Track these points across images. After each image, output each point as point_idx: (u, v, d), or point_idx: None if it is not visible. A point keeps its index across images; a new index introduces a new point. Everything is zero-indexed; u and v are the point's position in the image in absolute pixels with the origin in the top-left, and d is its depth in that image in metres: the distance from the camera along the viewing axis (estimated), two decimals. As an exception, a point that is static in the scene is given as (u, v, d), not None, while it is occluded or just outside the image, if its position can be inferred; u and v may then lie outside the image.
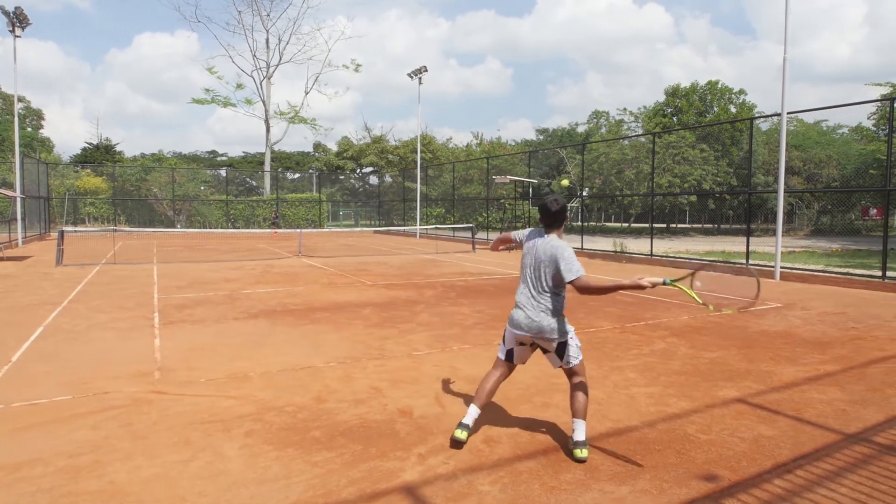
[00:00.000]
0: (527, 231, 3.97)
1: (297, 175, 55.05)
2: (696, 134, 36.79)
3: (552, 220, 3.78)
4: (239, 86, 46.88)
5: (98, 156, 48.35)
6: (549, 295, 3.67)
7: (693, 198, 38.84)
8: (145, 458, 3.49)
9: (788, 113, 12.81)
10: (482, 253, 20.25)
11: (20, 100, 25.32)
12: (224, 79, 63.76)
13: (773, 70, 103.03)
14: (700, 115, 42.86)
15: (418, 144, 33.91)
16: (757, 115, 38.95)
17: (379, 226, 39.14)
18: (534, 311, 3.66)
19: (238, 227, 37.70)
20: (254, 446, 3.68)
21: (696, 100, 43.20)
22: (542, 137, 61.30)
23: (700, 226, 50.70)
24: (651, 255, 16.72)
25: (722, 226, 47.60)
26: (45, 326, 7.25)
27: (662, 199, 37.21)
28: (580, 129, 57.09)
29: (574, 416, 3.64)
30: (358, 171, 51.94)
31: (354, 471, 3.34)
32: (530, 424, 4.08)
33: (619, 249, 18.04)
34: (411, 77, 30.31)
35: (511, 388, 4.88)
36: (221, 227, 37.26)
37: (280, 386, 4.91)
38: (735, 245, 23.71)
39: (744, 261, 14.08)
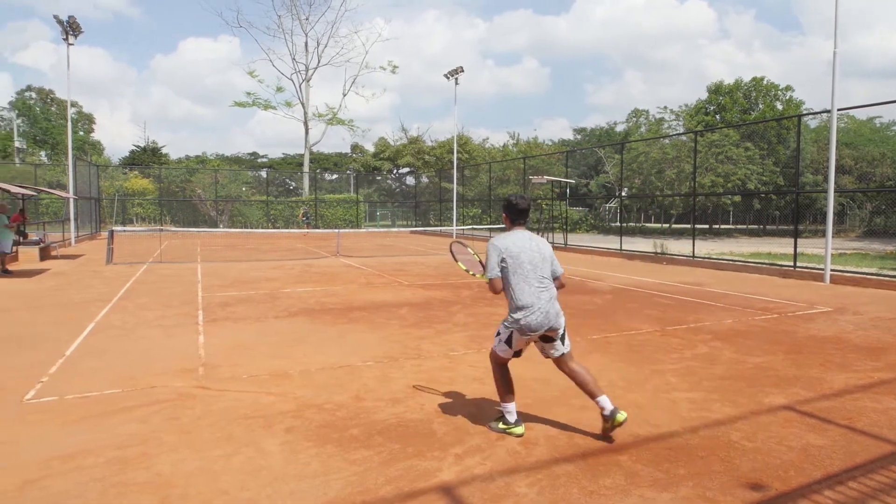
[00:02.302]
0: (505, 242, 3.82)
1: (335, 176, 55.86)
2: (741, 132, 35.76)
3: (525, 215, 3.97)
4: (279, 89, 47.82)
5: (145, 158, 50.04)
6: (551, 285, 3.85)
7: (737, 198, 37.76)
8: (190, 452, 3.59)
9: (839, 109, 12.32)
10: (518, 253, 20.09)
11: (73, 105, 26.36)
12: (264, 82, 65.08)
13: (821, 65, 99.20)
14: (744, 113, 41.65)
15: (454, 145, 33.94)
16: (805, 111, 37.63)
17: (415, 226, 39.36)
18: (546, 304, 3.75)
19: (278, 228, 38.44)
20: (294, 443, 3.74)
21: (741, 97, 42.00)
22: (579, 137, 60.62)
23: (745, 227, 49.21)
24: (693, 256, 16.33)
25: (768, 227, 46.11)
26: (96, 323, 7.54)
27: (705, 200, 36.27)
28: (619, 129, 56.22)
29: (596, 395, 3.79)
30: (395, 171, 52.34)
31: (392, 469, 3.37)
32: (568, 427, 4.03)
33: (659, 251, 17.67)
34: (448, 78, 30.37)
35: (548, 389, 4.83)
36: (262, 227, 38.06)
37: (319, 384, 4.98)
38: (782, 247, 22.92)
39: (791, 263, 13.61)
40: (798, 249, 13.79)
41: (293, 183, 52.27)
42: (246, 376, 5.19)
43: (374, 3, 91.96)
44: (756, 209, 46.68)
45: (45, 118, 53.70)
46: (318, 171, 51.06)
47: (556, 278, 3.89)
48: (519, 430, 3.84)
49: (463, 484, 3.20)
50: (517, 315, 3.75)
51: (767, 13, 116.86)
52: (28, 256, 15.47)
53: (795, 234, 14.33)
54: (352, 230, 33.88)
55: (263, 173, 48.10)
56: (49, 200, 33.56)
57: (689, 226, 38.99)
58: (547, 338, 3.83)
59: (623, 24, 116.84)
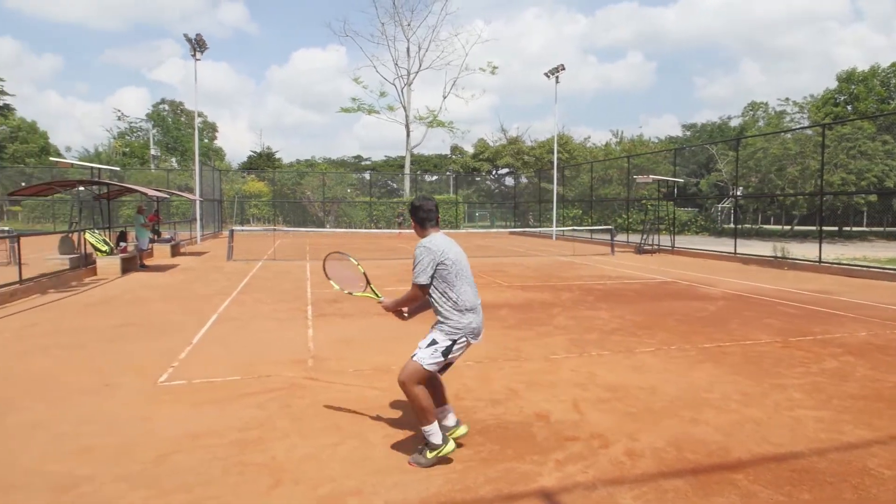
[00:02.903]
0: (439, 246, 3.48)
1: (434, 177, 56.87)
2: (877, 124, 32.21)
3: (437, 215, 3.69)
4: (382, 94, 49.49)
5: (261, 163, 53.72)
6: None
7: (872, 197, 34.06)
8: (300, 439, 3.79)
9: None
10: (621, 256, 19.43)
11: (199, 115, 28.83)
12: (368, 88, 67.78)
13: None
14: (882, 103, 37.48)
15: (555, 144, 33.39)
16: (959, 99, 33.20)
17: (514, 227, 39.15)
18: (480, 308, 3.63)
19: (380, 228, 39.79)
20: (396, 436, 3.84)
21: (877, 85, 37.86)
22: (688, 133, 57.43)
23: (881, 229, 44.28)
24: (820, 261, 14.90)
25: (909, 229, 41.18)
26: (218, 314, 8.19)
27: (833, 199, 33.03)
28: (733, 123, 52.63)
29: (443, 402, 3.69)
30: (494, 172, 52.40)
31: (491, 470, 3.36)
32: (677, 440, 3.82)
33: (779, 255, 16.30)
34: (548, 76, 29.93)
35: (655, 399, 4.62)
36: (365, 228, 39.55)
37: (420, 381, 5.08)
38: (927, 252, 20.39)
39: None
40: (949, 255, 12.19)
41: (394, 184, 53.88)
42: (352, 370, 5.41)
43: (474, 5, 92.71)
44: (896, 210, 41.85)
45: (175, 128, 59.38)
46: (418, 172, 52.26)
47: None
48: (450, 447, 3.41)
49: (564, 491, 3.13)
50: (468, 318, 3.45)
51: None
52: (161, 253, 17.15)
53: (946, 239, 12.67)
54: (451, 231, 34.30)
55: (367, 175, 50.04)
56: (179, 202, 37.03)
57: (814, 228, 35.68)
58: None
59: (739, 10, 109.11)
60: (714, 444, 3.75)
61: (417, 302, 3.59)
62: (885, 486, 3.20)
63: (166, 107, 62.22)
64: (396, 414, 4.26)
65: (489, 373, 5.37)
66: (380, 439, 3.79)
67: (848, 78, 39.36)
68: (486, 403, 4.52)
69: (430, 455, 3.39)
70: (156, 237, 17.32)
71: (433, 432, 3.39)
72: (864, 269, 13.79)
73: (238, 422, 4.08)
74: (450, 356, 3.49)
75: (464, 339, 3.48)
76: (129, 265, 13.51)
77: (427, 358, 3.42)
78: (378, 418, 4.17)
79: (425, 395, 3.43)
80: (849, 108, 38.59)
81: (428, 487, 3.14)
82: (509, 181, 50.71)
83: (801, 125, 41.95)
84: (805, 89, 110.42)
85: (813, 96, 43.34)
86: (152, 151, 53.90)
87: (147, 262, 14.91)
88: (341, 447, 3.67)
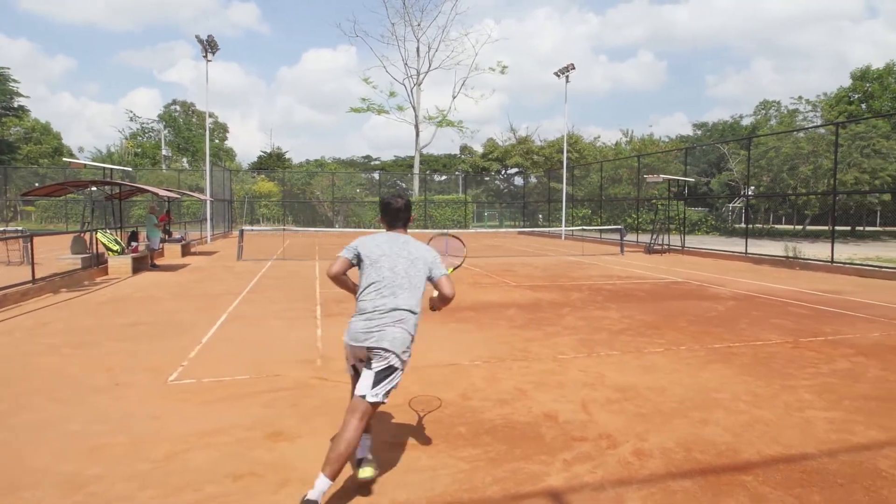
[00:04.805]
0: (363, 240, 3.31)
1: (444, 177, 56.90)
2: (892, 122, 31.80)
3: (405, 216, 3.45)
4: (392, 94, 49.59)
5: (271, 163, 53.99)
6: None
7: (886, 196, 33.65)
8: (309, 438, 3.81)
9: None
10: (631, 255, 19.33)
11: (210, 115, 29.01)
12: (378, 88, 68.02)
13: None
14: (897, 101, 37.03)
15: (564, 144, 33.28)
16: (975, 97, 32.74)
17: (523, 226, 39.07)
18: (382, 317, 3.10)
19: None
20: (402, 436, 3.85)
21: (892, 82, 37.38)
22: (699, 132, 57.11)
23: (895, 229, 43.76)
24: (832, 261, 14.75)
25: (924, 229, 40.66)
26: (228, 313, 8.24)
27: (846, 198, 32.65)
28: (745, 122, 52.29)
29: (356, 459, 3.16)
30: (503, 172, 52.32)
31: (499, 470, 3.36)
32: (686, 441, 3.79)
33: (791, 255, 16.15)
34: (558, 76, 29.85)
35: (665, 400, 4.59)
36: (374, 228, 39.63)
37: (427, 381, 5.09)
38: (942, 252, 20.13)
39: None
40: (965, 255, 12.03)
41: (404, 184, 53.93)
42: (359, 369, 5.42)
43: (484, 4, 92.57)
44: (910, 209, 41.31)
45: (186, 128, 59.79)
46: (427, 172, 52.27)
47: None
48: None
49: (572, 491, 3.12)
50: (354, 321, 3.18)
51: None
52: (172, 252, 17.29)
53: (961, 238, 12.51)
54: (460, 230, 34.30)
55: (376, 175, 50.14)
56: (189, 202, 37.29)
57: (826, 227, 35.33)
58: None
59: (751, 8, 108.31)
60: (723, 444, 3.73)
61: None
62: (897, 488, 3.16)
63: (177, 108, 62.71)
64: (403, 414, 4.27)
65: (497, 373, 5.36)
66: (386, 439, 3.80)
67: (862, 76, 38.91)
68: (493, 403, 4.51)
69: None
70: (167, 237, 17.45)
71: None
72: (878, 269, 13.63)
73: (247, 420, 4.10)
74: (348, 359, 3.24)
75: (346, 337, 3.16)
76: (140, 265, 13.63)
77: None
78: (384, 419, 4.17)
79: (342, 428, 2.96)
80: (863, 106, 38.15)
81: (434, 487, 3.14)
82: (518, 181, 50.64)
83: (814, 124, 41.56)
84: (818, 88, 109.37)
85: (826, 94, 42.93)
86: (164, 152, 54.39)
87: (158, 261, 15.03)
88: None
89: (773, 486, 3.18)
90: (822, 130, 33.01)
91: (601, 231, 27.02)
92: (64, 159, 36.72)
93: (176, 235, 19.20)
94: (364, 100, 49.82)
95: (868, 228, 43.56)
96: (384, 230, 3.42)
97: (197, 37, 23.59)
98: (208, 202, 24.55)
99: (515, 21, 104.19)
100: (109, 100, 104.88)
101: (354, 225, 41.96)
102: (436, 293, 3.35)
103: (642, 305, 9.19)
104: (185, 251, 18.05)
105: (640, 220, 29.87)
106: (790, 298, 9.96)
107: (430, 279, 3.30)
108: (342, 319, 7.84)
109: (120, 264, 12.83)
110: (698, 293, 10.59)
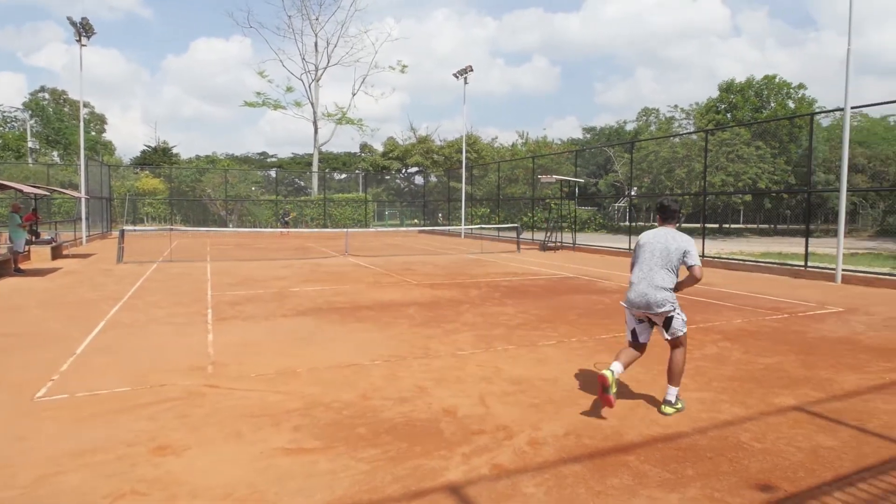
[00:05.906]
0: (646, 235, 4.73)
1: (343, 175, 56.03)
2: (752, 130, 35.46)
3: (674, 212, 4.96)
4: (289, 88, 48.07)
5: (156, 158, 50.44)
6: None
7: (748, 197, 37.47)
8: (198, 450, 3.61)
9: (852, 107, 12.19)
10: (527, 253, 20.10)
11: (85, 105, 26.63)
12: (274, 82, 65.73)
13: (836, 63, 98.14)
14: (756, 112, 41.30)
15: (463, 144, 33.93)
16: (817, 110, 37.24)
17: (424, 225, 39.37)
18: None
19: (288, 227, 38.60)
20: (302, 441, 3.76)
21: (752, 95, 41.67)
22: (589, 136, 60.45)
23: (755, 226, 48.81)
24: (703, 255, 16.22)
25: (779, 226, 45.71)
26: (106, 321, 7.61)
27: (715, 199, 35.99)
28: (629, 128, 56.03)
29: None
30: (403, 171, 52.35)
31: (399, 468, 3.37)
32: (576, 427, 4.02)
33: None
34: (457, 77, 30.36)
35: (557, 390, 4.83)
36: (271, 227, 38.24)
37: (327, 382, 5.00)
38: (793, 246, 22.73)
39: (802, 263, 13.49)
40: (809, 249, 13.68)
41: (302, 182, 52.49)
42: (254, 375, 5.22)
43: (384, 2, 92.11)
44: (767, 208, 46.32)
45: (57, 119, 54.23)
46: (326, 170, 51.23)
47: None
48: (605, 370, 4.17)
49: (470, 484, 3.19)
50: (630, 291, 4.62)
51: (781, 9, 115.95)
52: (40, 255, 15.65)
53: (807, 234, 14.22)
54: (360, 230, 33.95)
55: (273, 173, 48.31)
56: (61, 200, 33.92)
57: (698, 225, 38.67)
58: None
59: (635, 21, 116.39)
60: (609, 428, 3.98)
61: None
62: (755, 457, 3.54)
63: (46, 95, 56.71)
64: (302, 419, 4.16)
65: (397, 371, 5.37)
66: (283, 444, 3.69)
67: (727, 88, 42.97)
68: (393, 402, 4.52)
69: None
70: (34, 238, 15.75)
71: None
72: (741, 262, 15.16)
73: (128, 435, 3.81)
74: (629, 322, 4.71)
75: (624, 304, 4.60)
76: (1, 270, 12.22)
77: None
78: (282, 423, 4.05)
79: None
80: (728, 115, 42.13)
81: (334, 491, 3.10)
82: (419, 180, 50.90)
83: (688, 130, 45.36)
84: (692, 97, 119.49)
85: (698, 104, 47.01)
86: (30, 144, 48.95)
87: (23, 265, 13.55)
88: (242, 455, 3.53)
89: (653, 463, 3.45)
90: (694, 137, 36.19)
91: (499, 229, 27.87)
92: None
93: (45, 237, 17.39)
94: (259, 94, 47.79)
95: (734, 226, 48.27)
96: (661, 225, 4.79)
97: (69, 18, 21.52)
98: (83, 200, 22.47)
99: (415, 21, 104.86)
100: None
101: (250, 224, 40.23)
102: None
103: (537, 301, 9.59)
104: (57, 254, 16.43)
105: (535, 218, 31.12)
106: (668, 291, 10.80)
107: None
108: (236, 323, 7.50)
109: (-25, 270, 11.44)
110: (587, 287, 11.22)
